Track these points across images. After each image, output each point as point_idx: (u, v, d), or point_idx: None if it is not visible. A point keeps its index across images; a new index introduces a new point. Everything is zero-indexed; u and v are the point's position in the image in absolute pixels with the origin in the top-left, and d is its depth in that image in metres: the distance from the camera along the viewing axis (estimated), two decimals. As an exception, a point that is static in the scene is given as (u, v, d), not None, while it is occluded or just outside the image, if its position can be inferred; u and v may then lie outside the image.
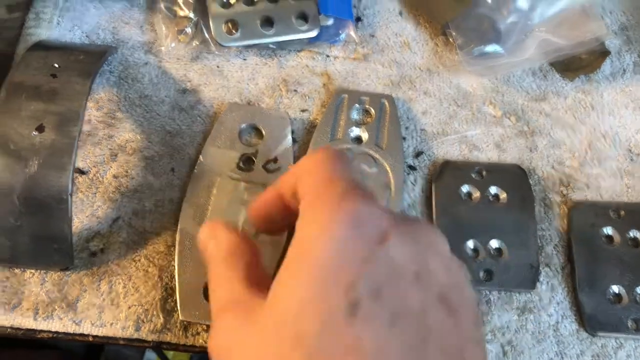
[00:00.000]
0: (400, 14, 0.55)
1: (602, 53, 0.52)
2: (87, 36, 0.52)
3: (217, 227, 0.33)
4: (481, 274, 0.45)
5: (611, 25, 0.55)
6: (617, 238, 0.46)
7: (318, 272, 0.25)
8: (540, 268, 0.45)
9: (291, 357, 0.24)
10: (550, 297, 0.45)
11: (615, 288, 0.44)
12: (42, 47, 0.47)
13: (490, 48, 0.50)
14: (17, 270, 0.43)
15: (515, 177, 0.48)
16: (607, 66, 0.53)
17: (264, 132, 0.47)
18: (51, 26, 0.52)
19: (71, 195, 0.40)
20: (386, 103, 0.49)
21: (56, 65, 0.44)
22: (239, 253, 0.32)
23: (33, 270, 0.43)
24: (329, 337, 0.23)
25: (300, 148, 0.48)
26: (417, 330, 0.24)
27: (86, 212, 0.45)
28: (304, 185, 0.29)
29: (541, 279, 0.45)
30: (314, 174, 0.29)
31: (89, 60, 0.45)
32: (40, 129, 0.41)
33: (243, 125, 0.47)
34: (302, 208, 0.28)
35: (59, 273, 0.43)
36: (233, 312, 0.29)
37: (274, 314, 0.26)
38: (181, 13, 0.51)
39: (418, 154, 0.49)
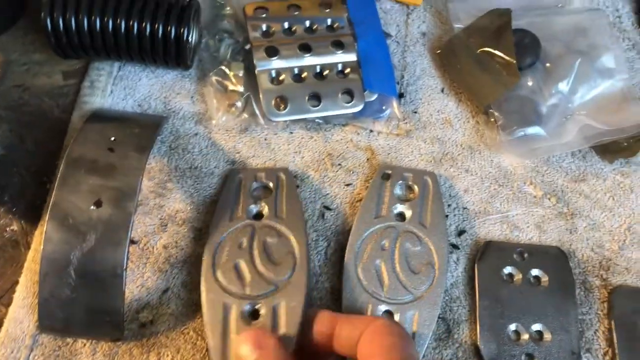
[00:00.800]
0: (442, 91, 0.56)
1: (641, 137, 0.53)
2: (139, 105, 0.54)
3: (265, 338, 0.38)
4: (523, 357, 0.45)
5: (649, 107, 0.57)
6: (659, 325, 0.47)
7: None
8: (582, 353, 0.46)
9: None
10: (592, 384, 0.45)
11: (658, 378, 0.45)
12: (99, 118, 0.49)
13: (532, 130, 0.52)
14: (69, 340, 0.44)
15: (555, 259, 0.49)
16: (645, 149, 0.54)
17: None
18: (105, 94, 0.54)
19: (125, 270, 0.41)
20: (429, 180, 0.50)
21: (113, 139, 0.46)
22: None
23: (85, 341, 0.44)
24: None
25: (345, 221, 0.49)
26: None
27: (136, 283, 0.46)
28: (374, 345, 0.36)
29: (583, 365, 0.45)
30: (386, 342, 0.36)
31: (144, 133, 0.47)
32: (98, 203, 0.42)
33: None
34: None
35: (109, 344, 0.44)
36: None
37: None
38: (231, 87, 0.53)
39: (460, 233, 0.50)
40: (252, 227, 0.46)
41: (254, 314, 0.42)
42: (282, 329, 0.41)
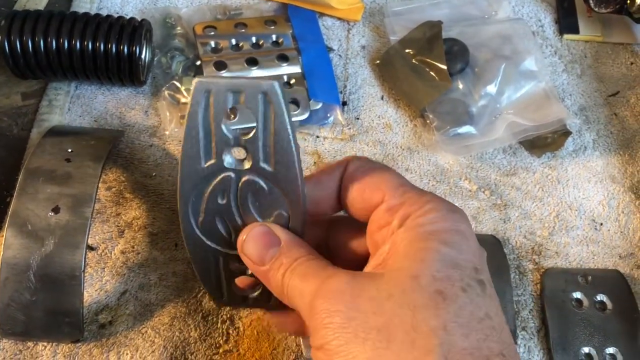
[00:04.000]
0: (382, 98, 0.60)
1: (564, 133, 0.57)
2: (95, 121, 0.56)
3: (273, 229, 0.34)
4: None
5: (571, 106, 0.62)
6: (585, 302, 0.51)
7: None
8: (517, 331, 0.49)
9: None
10: (528, 359, 0.48)
11: (586, 349, 0.48)
12: (56, 133, 0.52)
13: (464, 129, 0.56)
14: (29, 344, 0.46)
15: (491, 246, 0.52)
16: (569, 144, 0.59)
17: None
18: (63, 112, 0.56)
19: (84, 271, 0.43)
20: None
21: (70, 150, 0.48)
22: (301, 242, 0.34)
23: (45, 343, 0.46)
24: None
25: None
26: None
27: (95, 287, 0.48)
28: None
29: (518, 342, 0.49)
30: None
31: (100, 145, 0.50)
32: (55, 210, 0.45)
33: None
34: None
35: (69, 345, 0.46)
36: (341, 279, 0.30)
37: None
38: (183, 100, 0.56)
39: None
40: (234, 174, 0.34)
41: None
42: None
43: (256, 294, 0.38)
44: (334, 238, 0.38)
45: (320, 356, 0.29)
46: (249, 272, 0.37)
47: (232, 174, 0.34)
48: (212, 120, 0.32)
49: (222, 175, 0.34)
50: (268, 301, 0.38)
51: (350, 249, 0.37)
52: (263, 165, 0.33)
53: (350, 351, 0.27)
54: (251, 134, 0.32)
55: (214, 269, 0.37)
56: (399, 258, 0.30)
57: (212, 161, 0.33)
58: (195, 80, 0.32)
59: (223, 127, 0.32)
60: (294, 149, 0.33)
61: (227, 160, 0.33)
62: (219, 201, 0.35)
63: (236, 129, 0.33)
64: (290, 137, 0.32)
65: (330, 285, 0.30)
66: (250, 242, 0.34)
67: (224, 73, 0.56)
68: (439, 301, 0.27)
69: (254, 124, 0.32)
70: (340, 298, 0.29)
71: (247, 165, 0.33)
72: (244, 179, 0.34)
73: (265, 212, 0.35)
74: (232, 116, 0.33)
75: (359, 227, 0.35)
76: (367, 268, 0.33)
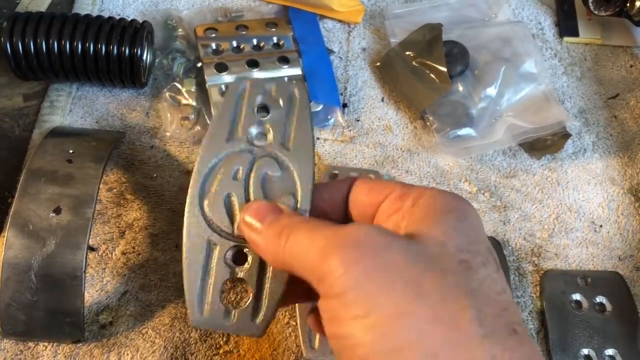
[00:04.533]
0: (382, 100, 0.61)
1: (564, 135, 0.57)
2: (97, 122, 0.57)
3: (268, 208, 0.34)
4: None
5: (571, 108, 0.62)
6: (585, 304, 0.51)
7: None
8: (517, 333, 0.49)
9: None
10: (527, 360, 0.48)
11: (585, 351, 0.48)
12: (58, 133, 0.52)
13: (464, 131, 0.56)
14: (30, 344, 0.46)
15: (490, 248, 0.53)
16: (569, 146, 0.59)
17: None
18: (64, 113, 0.57)
19: (85, 272, 0.43)
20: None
21: (71, 151, 0.49)
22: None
23: (46, 343, 0.46)
24: None
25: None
26: None
27: (96, 287, 0.49)
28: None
29: (518, 343, 0.49)
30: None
31: (101, 146, 0.50)
32: (57, 210, 0.45)
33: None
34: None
35: (70, 345, 0.46)
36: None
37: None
38: (184, 101, 0.56)
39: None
40: (252, 154, 0.37)
41: (240, 259, 0.36)
42: (268, 283, 0.35)
43: (243, 307, 0.36)
44: None
45: (335, 307, 0.27)
46: (241, 274, 0.36)
47: (250, 155, 0.37)
48: (244, 106, 0.38)
49: (240, 155, 0.37)
50: (254, 318, 0.35)
51: None
52: (281, 146, 0.37)
53: (375, 303, 0.26)
54: (275, 120, 0.38)
55: (205, 265, 0.36)
56: (421, 226, 0.29)
57: (235, 140, 0.37)
58: (237, 78, 0.39)
59: (252, 111, 0.38)
60: (311, 136, 0.37)
61: (250, 137, 0.38)
62: (231, 180, 0.36)
63: (263, 114, 0.38)
64: (309, 125, 0.38)
65: (351, 234, 0.28)
66: (253, 207, 0.34)
67: (225, 75, 0.56)
68: (465, 269, 0.28)
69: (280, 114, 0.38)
70: (365, 245, 0.28)
71: (266, 145, 0.37)
72: (260, 160, 0.37)
73: (273, 196, 0.36)
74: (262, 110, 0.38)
75: None
76: None
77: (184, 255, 0.36)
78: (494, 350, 0.26)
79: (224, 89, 0.56)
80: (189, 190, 0.36)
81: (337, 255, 0.27)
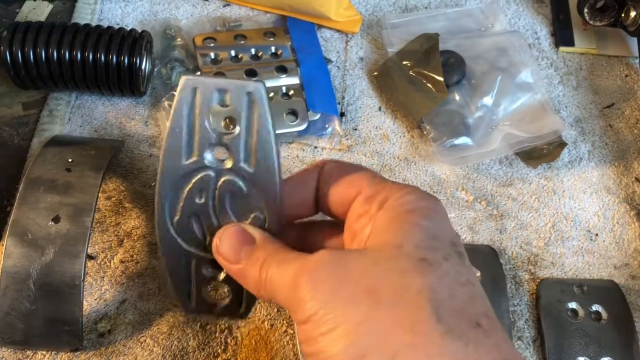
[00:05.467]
0: (380, 109, 0.61)
1: (560, 144, 0.58)
2: (95, 131, 0.57)
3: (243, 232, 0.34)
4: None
5: (567, 117, 0.62)
6: (581, 312, 0.51)
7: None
8: (513, 342, 0.50)
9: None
10: (524, 368, 0.49)
11: (581, 359, 0.49)
12: (57, 142, 0.52)
13: (461, 140, 0.56)
14: (29, 352, 0.46)
15: (487, 256, 0.53)
16: (565, 155, 0.59)
17: None
18: (63, 122, 0.57)
19: (83, 280, 0.43)
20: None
21: (70, 160, 0.49)
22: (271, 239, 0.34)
23: (44, 352, 0.46)
24: None
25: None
26: None
27: (95, 295, 0.49)
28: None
29: (514, 351, 0.49)
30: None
31: (100, 154, 0.50)
32: (56, 219, 0.45)
33: None
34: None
35: (69, 354, 0.46)
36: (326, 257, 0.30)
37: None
38: (183, 110, 0.56)
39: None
40: (213, 173, 0.34)
41: (218, 264, 0.36)
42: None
43: (225, 302, 0.38)
44: (309, 241, 0.38)
45: (308, 329, 0.29)
46: (221, 277, 0.37)
47: (212, 173, 0.34)
48: (197, 117, 0.33)
49: (202, 174, 0.34)
50: (237, 309, 0.38)
51: (327, 246, 0.37)
52: (243, 165, 0.34)
53: (340, 317, 0.27)
54: (234, 134, 0.33)
55: (185, 273, 0.37)
56: (381, 233, 0.31)
57: (193, 159, 0.34)
58: (183, 77, 0.33)
59: (207, 124, 0.33)
60: (274, 150, 0.33)
61: (208, 158, 0.34)
62: (197, 200, 0.35)
63: (219, 127, 0.33)
64: (272, 139, 0.33)
65: (313, 261, 0.30)
66: (225, 240, 0.34)
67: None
68: (424, 266, 0.28)
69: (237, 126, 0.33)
70: (325, 269, 0.29)
71: (227, 164, 0.34)
72: (223, 178, 0.34)
73: (242, 213, 0.35)
74: (217, 118, 0.33)
75: (335, 228, 0.36)
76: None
77: (164, 263, 0.37)
78: (455, 345, 0.26)
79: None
80: (155, 209, 0.35)
81: (304, 283, 0.29)
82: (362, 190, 0.33)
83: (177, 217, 0.35)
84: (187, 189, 0.35)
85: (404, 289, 0.28)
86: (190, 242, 0.36)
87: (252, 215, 0.35)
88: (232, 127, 0.34)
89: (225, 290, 0.38)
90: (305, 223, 0.39)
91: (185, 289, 0.38)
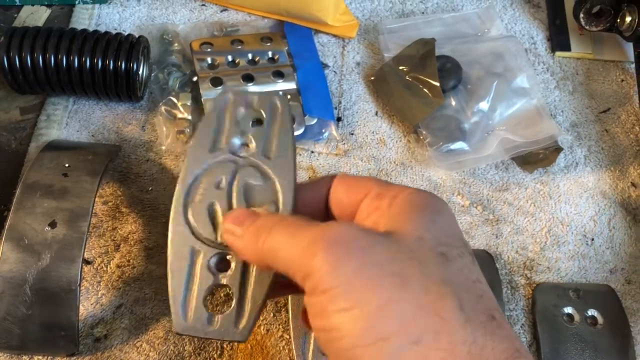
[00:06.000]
0: (376, 114, 0.61)
1: (556, 149, 0.58)
2: (93, 136, 0.57)
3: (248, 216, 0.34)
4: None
5: (563, 122, 0.62)
6: (577, 317, 0.51)
7: None
8: (509, 346, 0.50)
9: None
10: (519, 373, 0.49)
11: (577, 364, 0.49)
12: (54, 147, 0.52)
13: (457, 145, 0.57)
14: (25, 357, 0.46)
15: (483, 261, 0.53)
16: (561, 159, 0.60)
17: None
18: (61, 127, 0.57)
19: (79, 285, 0.44)
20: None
21: (67, 165, 0.49)
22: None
23: (40, 357, 0.46)
24: None
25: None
26: None
27: (91, 300, 0.49)
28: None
29: (510, 356, 0.49)
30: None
31: (97, 159, 0.50)
32: (52, 224, 0.45)
33: None
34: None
35: (65, 359, 0.46)
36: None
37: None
38: (180, 115, 0.57)
39: (395, 241, 0.54)
40: (235, 164, 0.38)
41: (223, 266, 0.37)
42: (250, 289, 0.36)
43: (226, 312, 0.36)
44: None
45: (322, 302, 0.28)
46: (226, 280, 0.36)
47: (232, 165, 0.38)
48: (227, 117, 0.39)
49: (223, 165, 0.38)
50: (237, 324, 0.36)
51: None
52: (262, 157, 0.38)
53: (363, 296, 0.27)
54: (257, 130, 0.38)
55: (189, 272, 0.36)
56: (399, 223, 0.31)
57: (218, 150, 0.38)
58: (220, 92, 0.40)
59: (234, 123, 0.39)
60: (292, 146, 0.38)
61: (232, 147, 0.38)
62: (215, 190, 0.37)
63: (245, 126, 0.39)
64: (290, 136, 0.38)
65: (336, 231, 0.30)
66: (233, 215, 0.35)
67: (219, 89, 0.57)
68: (443, 260, 0.29)
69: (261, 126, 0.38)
70: (350, 243, 0.29)
71: (248, 156, 0.38)
72: (242, 170, 0.38)
73: (254, 205, 0.37)
74: (245, 118, 0.39)
75: None
76: None
77: (169, 262, 0.37)
78: (475, 334, 0.27)
79: (219, 103, 0.57)
80: (174, 200, 0.37)
81: (323, 254, 0.28)
82: (371, 190, 0.34)
83: (192, 208, 0.37)
84: (207, 179, 0.37)
85: (428, 278, 0.28)
86: (200, 235, 0.37)
87: (264, 207, 0.37)
88: (256, 126, 0.39)
89: (229, 292, 0.37)
90: None
91: (184, 294, 0.36)
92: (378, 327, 0.27)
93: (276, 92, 0.59)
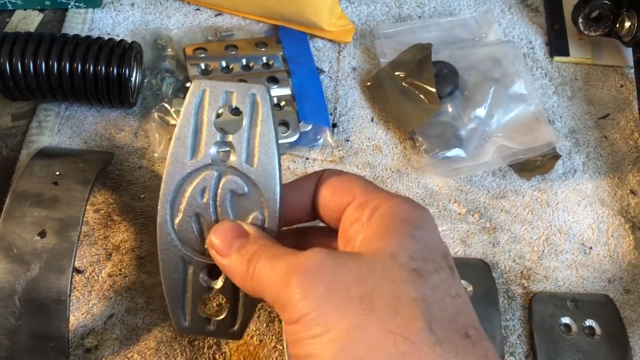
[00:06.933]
0: (372, 120, 0.61)
1: (554, 156, 0.57)
2: (85, 142, 0.56)
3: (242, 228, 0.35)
4: None
5: (561, 128, 0.62)
6: (574, 327, 0.50)
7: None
8: (505, 357, 0.49)
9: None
10: (516, 385, 0.48)
11: (574, 375, 0.48)
12: (45, 154, 0.52)
13: (453, 152, 0.56)
14: (14, 369, 0.45)
15: (479, 270, 0.52)
16: (559, 166, 0.59)
17: None
18: (52, 133, 0.56)
19: (69, 296, 0.43)
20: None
21: (58, 173, 0.48)
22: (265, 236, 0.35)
23: (29, 369, 0.45)
24: None
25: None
26: None
27: (82, 310, 0.48)
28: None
29: (507, 367, 0.49)
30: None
31: (88, 167, 0.50)
32: (42, 234, 0.44)
33: None
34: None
35: (54, 371, 0.45)
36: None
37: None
38: (173, 122, 0.56)
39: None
40: (217, 171, 0.36)
41: (215, 273, 0.38)
42: (242, 295, 0.38)
43: (220, 317, 0.39)
44: (305, 245, 0.37)
45: (297, 330, 0.29)
46: (217, 286, 0.38)
47: (215, 172, 0.36)
48: (204, 117, 0.36)
49: (205, 173, 0.36)
50: (232, 325, 0.39)
51: None
52: (245, 164, 0.36)
53: (332, 321, 0.28)
54: (237, 133, 0.36)
55: (182, 280, 0.38)
56: (374, 240, 0.31)
57: (199, 157, 0.36)
58: (194, 80, 0.36)
59: (213, 124, 0.36)
60: (275, 150, 0.36)
61: (213, 156, 0.36)
62: (199, 200, 0.36)
63: (224, 127, 0.36)
64: (273, 139, 0.36)
65: (307, 259, 0.30)
66: (218, 232, 0.35)
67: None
68: (416, 277, 0.29)
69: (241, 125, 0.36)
70: (318, 269, 0.29)
71: (230, 163, 0.36)
72: (225, 178, 0.36)
73: (241, 213, 0.37)
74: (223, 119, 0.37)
75: (330, 235, 0.37)
76: None
77: (161, 270, 0.38)
78: (446, 356, 0.27)
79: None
80: (159, 210, 0.37)
81: (296, 282, 0.29)
82: (355, 198, 0.34)
83: (178, 218, 0.37)
84: (190, 188, 0.36)
85: (397, 298, 0.28)
86: (189, 244, 0.37)
87: (251, 216, 0.36)
88: (236, 127, 0.36)
89: (222, 302, 0.41)
90: (303, 228, 0.40)
91: (180, 300, 0.38)
92: (347, 351, 0.27)
93: (276, 98, 0.58)
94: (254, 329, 0.48)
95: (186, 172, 0.36)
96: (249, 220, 0.36)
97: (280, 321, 0.48)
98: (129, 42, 0.56)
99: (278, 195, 0.36)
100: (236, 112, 0.37)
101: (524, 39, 0.68)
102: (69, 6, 0.64)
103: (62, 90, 0.54)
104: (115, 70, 0.54)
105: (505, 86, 0.59)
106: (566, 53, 0.67)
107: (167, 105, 0.56)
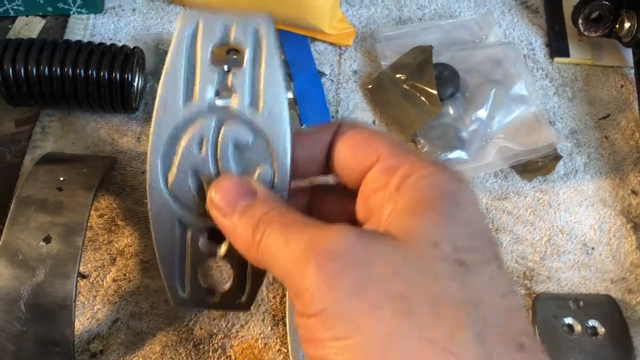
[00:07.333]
0: (374, 123, 0.61)
1: (556, 157, 0.57)
2: (88, 148, 0.57)
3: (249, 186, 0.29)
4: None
5: (562, 129, 0.62)
6: (577, 327, 0.50)
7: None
8: (509, 358, 0.49)
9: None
10: (520, 385, 0.48)
11: (578, 376, 0.48)
12: (49, 160, 0.52)
13: (455, 154, 0.56)
14: (19, 374, 0.46)
15: (482, 272, 0.52)
16: (561, 167, 0.59)
17: None
18: (56, 139, 0.57)
19: (75, 301, 0.43)
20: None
21: (62, 179, 0.49)
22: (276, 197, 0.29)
23: (35, 374, 0.46)
24: None
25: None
26: None
27: (87, 315, 0.48)
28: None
29: (510, 368, 0.49)
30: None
31: (92, 173, 0.50)
32: (47, 239, 0.45)
33: None
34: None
35: (60, 375, 0.46)
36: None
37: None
38: (176, 126, 0.56)
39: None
40: (216, 118, 0.30)
41: (217, 236, 0.32)
42: (249, 263, 0.32)
43: (225, 287, 0.33)
44: (319, 208, 0.33)
45: (314, 326, 0.24)
46: (221, 252, 0.32)
47: (214, 120, 0.30)
48: (198, 55, 0.30)
49: (202, 121, 0.30)
50: (239, 297, 0.33)
51: (338, 220, 0.28)
52: (249, 109, 0.30)
53: (363, 323, 0.23)
54: (238, 74, 0.30)
55: (179, 247, 0.32)
56: (406, 217, 0.25)
57: (193, 101, 0.30)
58: (183, 11, 0.30)
59: (209, 63, 0.30)
60: (284, 92, 0.30)
61: (210, 100, 0.30)
62: (195, 152, 0.31)
63: (223, 65, 0.30)
64: (281, 79, 0.30)
65: (332, 239, 0.25)
66: (219, 187, 0.29)
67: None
68: (462, 272, 0.24)
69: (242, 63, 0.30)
70: (347, 256, 0.24)
71: (231, 109, 0.30)
72: (225, 126, 0.30)
73: (246, 167, 0.31)
74: (221, 56, 0.30)
75: (348, 195, 0.31)
76: None
77: (154, 237, 0.32)
78: None
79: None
80: (148, 166, 0.31)
81: (315, 267, 0.24)
82: (379, 159, 0.28)
83: (172, 175, 0.31)
84: (184, 140, 0.31)
85: (439, 299, 0.23)
86: (186, 205, 0.31)
87: (258, 170, 0.31)
88: (236, 66, 0.30)
89: (228, 269, 0.33)
90: (313, 188, 0.34)
91: (177, 270, 0.33)
92: None
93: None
94: (259, 332, 0.48)
95: (179, 120, 0.30)
96: (256, 175, 0.31)
97: (284, 324, 0.49)
98: (131, 47, 0.56)
99: (289, 144, 0.30)
100: (236, 48, 0.31)
101: (524, 40, 0.68)
102: (71, 12, 0.64)
103: (64, 96, 0.55)
104: (117, 76, 0.54)
105: (506, 87, 0.59)
106: (566, 54, 0.67)
107: (169, 110, 0.56)
